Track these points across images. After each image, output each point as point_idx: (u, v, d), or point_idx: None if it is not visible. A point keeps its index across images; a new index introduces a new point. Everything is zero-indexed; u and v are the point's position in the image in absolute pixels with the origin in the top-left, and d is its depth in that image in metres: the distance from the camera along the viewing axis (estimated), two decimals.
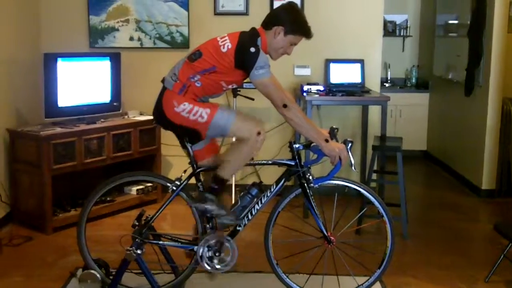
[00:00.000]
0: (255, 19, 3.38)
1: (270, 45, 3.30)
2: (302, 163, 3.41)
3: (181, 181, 3.44)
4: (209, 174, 3.43)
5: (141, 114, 5.61)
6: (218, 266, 3.41)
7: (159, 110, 3.33)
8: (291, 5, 3.40)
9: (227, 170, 3.34)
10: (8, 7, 5.01)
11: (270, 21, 3.31)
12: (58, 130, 4.84)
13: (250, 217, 3.42)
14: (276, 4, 5.61)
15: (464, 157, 6.60)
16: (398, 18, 8.24)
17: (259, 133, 3.21)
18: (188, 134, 3.35)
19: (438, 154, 7.60)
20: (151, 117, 3.50)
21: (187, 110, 3.22)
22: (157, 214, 3.47)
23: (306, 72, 5.95)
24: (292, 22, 3.28)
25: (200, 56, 3.23)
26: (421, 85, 8.14)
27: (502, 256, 3.98)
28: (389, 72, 8.23)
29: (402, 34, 8.29)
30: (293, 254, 3.70)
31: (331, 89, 5.54)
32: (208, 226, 3.44)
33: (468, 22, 6.25)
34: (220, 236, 3.40)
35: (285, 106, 3.16)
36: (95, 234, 4.61)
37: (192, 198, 3.44)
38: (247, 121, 3.26)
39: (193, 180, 3.46)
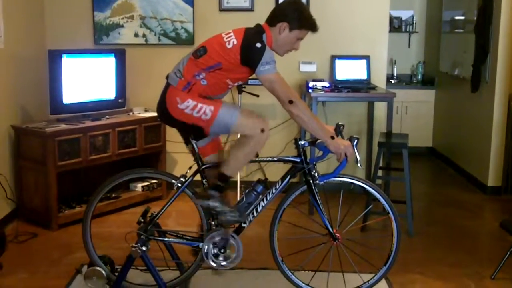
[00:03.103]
0: (261, 15, 3.36)
1: (275, 41, 3.29)
2: (308, 160, 3.39)
3: (186, 178, 3.43)
4: (214, 171, 3.41)
5: (146, 110, 5.61)
6: (223, 263, 3.41)
7: (162, 107, 3.32)
8: (295, 0, 3.38)
9: (231, 167, 3.32)
10: (14, 4, 5.01)
11: (275, 17, 3.29)
12: (63, 126, 4.84)
13: (255, 214, 3.41)
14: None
15: (470, 154, 6.57)
16: (404, 14, 8.22)
17: (262, 130, 3.19)
18: (192, 131, 3.33)
19: (444, 151, 7.57)
20: (156, 114, 3.49)
21: (191, 107, 3.21)
22: (162, 211, 3.47)
23: (311, 68, 5.93)
24: (297, 17, 3.26)
25: (205, 52, 3.22)
26: (427, 82, 8.11)
27: (508, 253, 3.96)
28: (395, 69, 8.21)
29: (408, 30, 8.27)
30: (298, 251, 3.68)
31: (337, 86, 5.52)
32: (213, 223, 3.43)
33: (475, 18, 6.22)
34: (225, 233, 3.39)
35: (291, 102, 3.15)
36: (100, 230, 4.62)
37: (196, 195, 3.43)
38: (251, 118, 3.23)
39: (198, 177, 3.45)
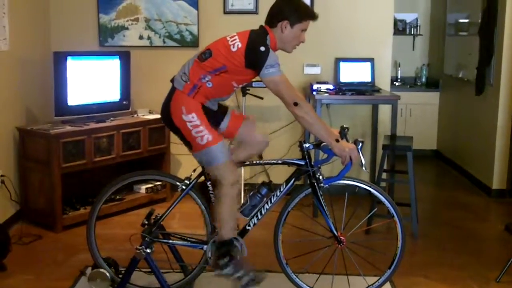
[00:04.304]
0: (265, 18, 3.36)
1: (280, 40, 3.28)
2: (312, 163, 3.39)
3: (191, 180, 3.44)
4: (212, 247, 3.41)
5: (150, 112, 5.62)
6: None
7: (166, 111, 3.33)
8: None
9: (225, 229, 3.32)
10: (19, 6, 5.02)
11: (273, 18, 3.29)
12: (68, 128, 4.85)
13: (259, 216, 3.41)
14: None
15: (475, 156, 6.56)
16: (409, 17, 8.21)
17: (234, 183, 3.24)
18: (183, 140, 3.35)
19: (448, 154, 7.56)
20: (160, 116, 3.49)
21: (193, 124, 3.22)
22: (167, 213, 3.47)
23: (316, 70, 5.93)
24: (295, 11, 3.25)
25: (210, 55, 3.22)
26: (431, 84, 8.10)
27: None
28: (399, 71, 8.20)
29: (412, 32, 8.26)
30: (303, 254, 3.68)
31: (341, 88, 5.52)
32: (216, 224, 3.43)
33: (479, 21, 6.21)
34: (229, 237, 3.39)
35: (296, 104, 3.15)
36: (104, 232, 4.62)
37: (212, 265, 3.41)
38: (231, 170, 3.26)
39: (202, 179, 3.45)
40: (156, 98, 3.97)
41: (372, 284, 3.55)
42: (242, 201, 3.55)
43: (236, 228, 3.45)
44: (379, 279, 3.54)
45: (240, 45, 3.18)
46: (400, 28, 8.15)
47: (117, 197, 5.26)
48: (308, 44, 3.44)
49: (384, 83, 5.91)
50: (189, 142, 3.31)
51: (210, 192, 3.44)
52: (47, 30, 5.76)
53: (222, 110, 3.48)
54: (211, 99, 3.31)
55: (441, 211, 5.68)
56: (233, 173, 3.28)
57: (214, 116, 3.36)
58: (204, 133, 3.22)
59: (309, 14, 3.30)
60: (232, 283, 3.37)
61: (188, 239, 3.52)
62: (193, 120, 3.22)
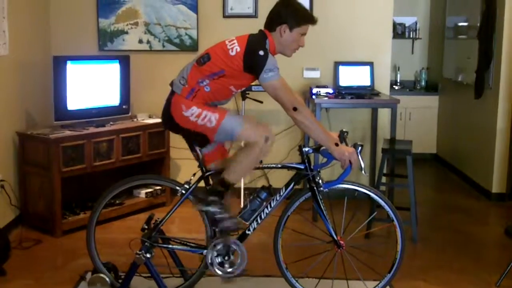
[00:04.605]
0: (264, 22, 3.36)
1: (279, 44, 3.29)
2: (312, 167, 3.39)
3: (190, 185, 3.44)
4: (218, 177, 3.41)
5: (150, 117, 5.62)
6: (229, 270, 3.40)
7: (167, 114, 3.33)
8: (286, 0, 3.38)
9: (234, 174, 3.32)
10: (19, 10, 5.02)
11: (272, 22, 3.29)
12: (68, 133, 4.85)
13: (259, 220, 3.41)
14: None
15: (475, 160, 6.56)
16: (408, 20, 8.22)
17: (267, 139, 3.20)
18: (196, 138, 3.34)
19: (448, 157, 7.56)
20: (160, 120, 3.49)
21: (196, 114, 3.21)
22: (166, 217, 3.47)
23: (315, 74, 5.94)
24: (293, 15, 3.26)
25: (209, 59, 3.22)
26: (430, 88, 8.11)
27: None
28: (398, 75, 8.21)
29: (411, 36, 8.27)
30: (302, 258, 3.68)
31: (340, 92, 5.53)
32: (217, 229, 3.43)
33: (478, 24, 6.21)
34: (226, 240, 3.39)
35: (295, 109, 3.15)
36: (104, 237, 4.62)
37: (197, 199, 3.42)
38: (255, 126, 3.24)
39: (202, 184, 3.45)
40: (156, 102, 3.98)
41: None
42: (242, 205, 3.55)
43: (236, 233, 3.45)
44: (379, 284, 3.54)
45: (238, 49, 3.18)
46: (399, 31, 8.16)
47: (117, 201, 5.25)
48: (308, 48, 3.44)
49: (383, 87, 5.92)
50: (201, 136, 3.28)
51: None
52: (47, 34, 5.77)
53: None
54: (210, 102, 3.31)
55: (441, 215, 5.67)
56: (261, 129, 3.22)
57: (202, 136, 3.32)
58: (209, 116, 3.20)
59: (308, 19, 3.30)
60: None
61: (188, 243, 3.52)
62: (194, 111, 3.22)
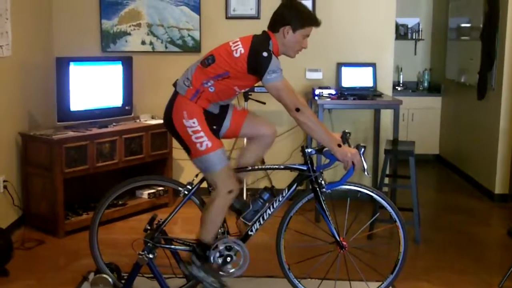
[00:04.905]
0: (267, 23, 3.36)
1: (282, 45, 3.29)
2: (314, 168, 3.39)
3: (193, 185, 3.44)
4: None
5: (152, 118, 5.63)
6: (231, 271, 3.41)
7: (168, 115, 3.34)
8: (290, 1, 3.39)
9: (206, 232, 3.38)
10: (22, 11, 5.03)
11: (275, 23, 3.30)
12: (70, 134, 4.86)
13: (261, 221, 3.41)
14: None
15: (477, 161, 6.56)
16: (410, 22, 8.22)
17: (230, 192, 3.27)
18: (182, 145, 3.37)
19: (450, 158, 7.55)
20: (163, 121, 3.50)
21: (194, 129, 3.24)
22: (169, 218, 3.48)
23: (317, 75, 5.94)
24: (297, 17, 3.26)
25: (213, 61, 3.23)
26: (433, 89, 8.11)
27: None
28: (401, 76, 8.21)
29: (414, 37, 8.27)
30: (305, 259, 3.68)
31: (343, 93, 5.53)
32: (219, 231, 3.43)
33: (481, 25, 6.22)
34: (230, 241, 3.40)
35: (298, 110, 3.15)
36: (107, 237, 4.62)
37: (182, 262, 3.48)
38: (229, 176, 3.30)
39: (204, 184, 3.46)
40: (158, 103, 3.98)
41: None
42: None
43: (239, 233, 3.46)
44: (381, 284, 3.54)
45: (242, 51, 3.19)
46: (402, 33, 8.16)
47: (120, 202, 5.26)
48: (310, 49, 3.44)
49: (386, 88, 5.92)
50: (188, 148, 3.32)
51: None
52: (50, 35, 5.78)
53: (223, 109, 3.46)
54: (213, 103, 3.32)
55: (443, 215, 5.67)
56: (231, 181, 3.30)
57: (216, 116, 3.36)
58: (204, 139, 3.23)
59: (312, 21, 3.31)
60: None
61: (191, 244, 3.52)
62: (194, 125, 3.24)
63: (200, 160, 3.28)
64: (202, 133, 3.23)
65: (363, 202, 4.15)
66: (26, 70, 5.14)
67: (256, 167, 3.58)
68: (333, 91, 5.46)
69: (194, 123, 3.24)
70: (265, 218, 3.41)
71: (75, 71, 5.00)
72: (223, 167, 3.27)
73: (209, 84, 3.24)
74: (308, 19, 3.30)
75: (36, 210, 4.93)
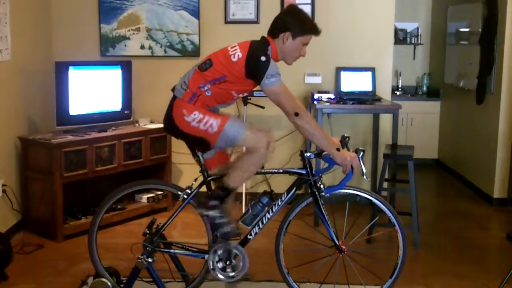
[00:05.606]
0: (266, 28, 3.38)
1: (281, 51, 3.30)
2: (313, 172, 3.40)
3: (192, 190, 3.44)
4: (220, 183, 3.42)
5: (151, 122, 5.63)
6: (230, 274, 3.41)
7: (169, 120, 3.34)
8: (292, 8, 3.41)
9: (235, 179, 3.33)
10: (21, 16, 5.04)
11: (276, 28, 3.31)
12: (70, 138, 4.86)
13: (261, 225, 3.41)
14: None
15: (476, 165, 6.56)
16: (409, 26, 8.23)
17: (268, 145, 3.21)
18: (198, 143, 3.34)
19: (449, 163, 7.56)
20: (162, 125, 3.50)
21: (198, 119, 3.22)
22: (168, 222, 3.48)
23: (316, 80, 5.95)
24: (297, 24, 3.27)
25: (211, 65, 3.24)
26: (432, 93, 8.12)
27: None
28: (400, 80, 8.22)
29: (413, 42, 8.28)
30: (304, 263, 3.68)
31: (342, 97, 5.54)
32: (217, 234, 3.43)
33: (480, 30, 6.23)
34: (228, 245, 3.39)
35: (296, 114, 3.15)
36: (106, 242, 4.62)
37: (198, 204, 3.43)
38: (257, 132, 3.25)
39: (204, 189, 3.46)
40: (158, 107, 3.99)
41: None
42: (244, 211, 3.55)
43: (238, 238, 3.46)
44: None
45: (240, 55, 3.19)
46: (400, 37, 8.16)
47: (119, 206, 5.26)
48: (309, 53, 3.45)
49: (385, 92, 5.93)
50: (202, 142, 3.29)
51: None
52: (49, 40, 5.79)
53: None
54: (211, 108, 3.32)
55: (442, 220, 5.67)
56: (262, 136, 3.23)
57: (204, 141, 3.32)
58: (211, 121, 3.22)
59: (312, 29, 3.32)
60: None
61: (190, 248, 3.53)
62: (196, 116, 3.23)
63: (221, 140, 3.25)
64: (206, 117, 3.22)
65: (362, 206, 4.15)
66: (25, 74, 5.15)
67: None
68: (332, 96, 5.47)
69: (195, 114, 3.23)
70: (264, 222, 3.41)
71: (74, 75, 5.01)
72: (245, 130, 3.23)
73: (206, 88, 3.24)
74: (309, 27, 3.31)
75: (35, 214, 4.93)
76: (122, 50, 5.90)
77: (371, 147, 5.97)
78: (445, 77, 7.67)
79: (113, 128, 5.28)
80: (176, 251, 3.53)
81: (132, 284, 3.48)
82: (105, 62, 5.73)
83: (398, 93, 8.03)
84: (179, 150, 5.36)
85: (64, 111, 4.95)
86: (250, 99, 5.42)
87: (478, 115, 6.49)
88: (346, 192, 3.45)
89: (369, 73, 5.83)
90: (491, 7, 5.96)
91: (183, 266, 3.63)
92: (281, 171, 3.54)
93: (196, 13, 5.84)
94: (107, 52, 5.90)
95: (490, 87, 6.08)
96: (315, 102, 5.37)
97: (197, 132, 3.25)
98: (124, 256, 4.21)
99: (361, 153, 3.26)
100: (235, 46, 3.26)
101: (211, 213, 3.31)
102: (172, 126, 3.34)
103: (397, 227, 3.45)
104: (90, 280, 3.64)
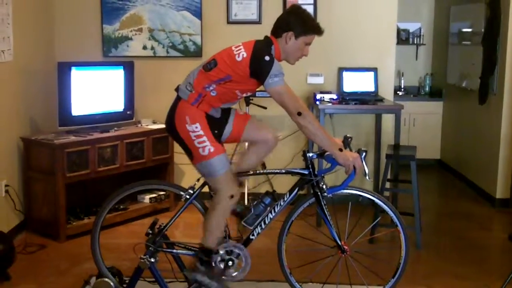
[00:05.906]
0: (268, 28, 3.38)
1: (284, 51, 3.31)
2: (316, 172, 3.40)
3: (194, 190, 3.45)
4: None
5: (154, 122, 5.63)
6: (233, 275, 3.41)
7: (170, 120, 3.34)
8: (295, 8, 3.41)
9: (210, 239, 3.38)
10: (23, 16, 5.05)
11: (279, 28, 3.31)
12: (72, 138, 4.86)
13: (263, 226, 3.42)
14: None
15: (478, 166, 6.55)
16: (412, 26, 8.22)
17: (231, 197, 3.28)
18: (185, 150, 3.37)
19: (452, 163, 7.55)
20: (164, 126, 3.50)
21: (196, 134, 3.24)
22: (171, 222, 3.48)
23: (319, 80, 5.95)
24: (300, 24, 3.27)
25: (215, 65, 3.24)
26: (434, 94, 8.10)
27: None
28: (402, 81, 8.21)
29: (415, 42, 8.27)
30: (306, 263, 3.68)
31: (344, 98, 5.53)
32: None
33: (482, 30, 6.22)
34: (232, 246, 3.40)
35: (299, 114, 3.16)
36: (108, 242, 4.62)
37: (185, 268, 3.48)
38: (230, 181, 3.30)
39: (206, 189, 3.46)
40: (160, 108, 3.99)
41: None
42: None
43: (240, 238, 3.46)
44: None
45: (245, 55, 3.20)
46: (403, 37, 8.16)
47: (121, 206, 5.26)
48: (312, 53, 3.44)
49: (387, 93, 5.92)
50: (190, 152, 3.32)
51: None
52: (51, 40, 5.79)
53: (226, 114, 3.46)
54: (216, 107, 3.33)
55: (445, 220, 5.67)
56: (232, 186, 3.31)
57: (218, 121, 3.37)
58: (206, 144, 3.24)
59: (315, 29, 3.32)
60: None
61: (192, 248, 3.53)
62: (197, 130, 3.24)
63: (203, 165, 3.29)
64: (204, 138, 3.24)
65: (365, 207, 4.15)
66: (28, 75, 5.15)
67: (258, 171, 3.59)
68: (334, 96, 5.46)
69: (196, 127, 3.24)
70: (267, 222, 3.42)
71: (77, 76, 5.02)
72: (225, 172, 3.27)
73: (211, 88, 3.25)
74: (312, 27, 3.31)
75: (38, 215, 4.93)
76: (124, 51, 5.90)
77: (373, 147, 5.96)
78: (447, 77, 7.66)
79: (115, 128, 5.28)
80: (178, 251, 3.53)
81: (135, 284, 3.49)
82: (108, 62, 5.73)
83: (400, 93, 8.02)
84: (181, 151, 5.33)
85: (66, 112, 4.96)
86: (252, 99, 5.42)
87: (480, 116, 6.48)
88: (349, 193, 3.45)
89: (372, 74, 5.83)
90: (493, 8, 5.96)
91: (186, 266, 3.63)
92: (283, 171, 3.55)
93: (198, 13, 5.85)
94: (109, 53, 5.90)
95: (492, 88, 6.08)
96: (317, 102, 5.37)
97: (190, 143, 3.29)
98: (126, 256, 4.22)
99: (364, 154, 3.26)
100: (239, 46, 3.26)
101: (199, 278, 3.35)
102: (171, 126, 3.35)
103: (399, 227, 3.45)
104: (93, 280, 3.64)
